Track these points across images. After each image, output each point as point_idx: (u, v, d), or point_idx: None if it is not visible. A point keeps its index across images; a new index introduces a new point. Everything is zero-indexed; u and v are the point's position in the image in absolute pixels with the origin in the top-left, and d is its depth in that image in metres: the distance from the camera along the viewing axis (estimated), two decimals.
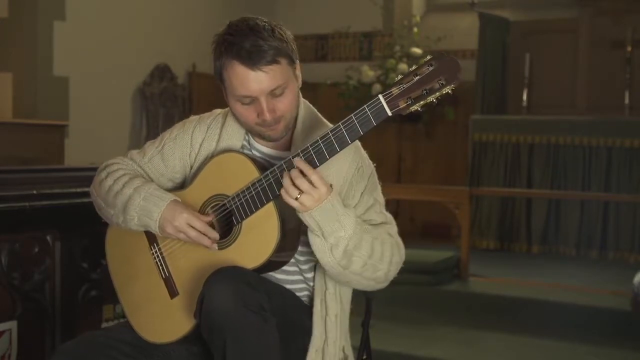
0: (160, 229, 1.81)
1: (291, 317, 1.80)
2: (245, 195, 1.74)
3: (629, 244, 5.58)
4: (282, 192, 1.66)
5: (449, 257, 4.89)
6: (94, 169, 2.02)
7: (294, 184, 1.64)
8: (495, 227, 6.02)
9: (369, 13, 7.20)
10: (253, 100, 1.75)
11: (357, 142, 1.86)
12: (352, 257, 1.71)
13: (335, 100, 6.35)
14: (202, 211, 1.84)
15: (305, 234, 1.75)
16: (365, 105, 1.62)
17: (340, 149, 1.65)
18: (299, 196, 1.64)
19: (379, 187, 1.90)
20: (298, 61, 1.81)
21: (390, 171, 7.09)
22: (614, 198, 5.56)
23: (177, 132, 1.95)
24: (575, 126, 5.85)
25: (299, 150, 1.68)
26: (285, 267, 1.83)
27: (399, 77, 1.62)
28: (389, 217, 1.87)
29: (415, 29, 6.87)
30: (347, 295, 1.90)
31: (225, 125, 1.90)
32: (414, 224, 7.01)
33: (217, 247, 1.78)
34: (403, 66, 6.47)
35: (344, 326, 1.89)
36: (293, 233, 1.75)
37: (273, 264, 1.76)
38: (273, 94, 1.74)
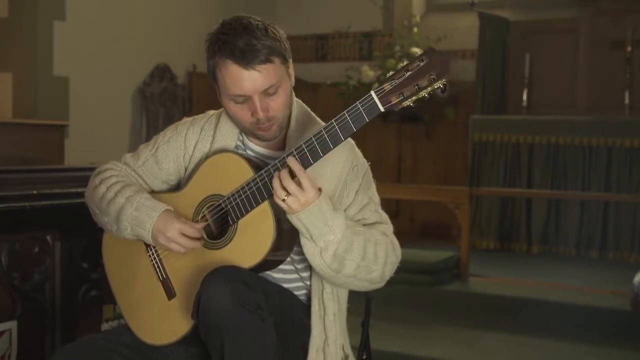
0: (153, 240, 1.81)
1: (289, 316, 1.80)
2: (241, 195, 1.74)
3: (629, 244, 5.58)
4: (272, 192, 1.66)
5: (448, 257, 4.89)
6: (94, 169, 2.02)
7: (281, 185, 1.64)
8: (495, 227, 6.02)
9: (369, 13, 7.20)
10: (246, 99, 1.75)
11: (351, 141, 1.86)
12: (344, 261, 1.71)
13: (335, 100, 6.35)
14: (197, 212, 1.84)
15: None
16: (357, 102, 1.62)
17: (334, 146, 1.65)
18: (286, 198, 1.64)
19: (374, 186, 1.89)
20: (291, 60, 1.81)
21: (390, 171, 7.09)
22: (614, 198, 5.56)
23: (171, 135, 1.95)
24: (575, 126, 5.85)
25: (293, 149, 1.68)
26: (282, 266, 1.83)
27: (391, 73, 1.63)
28: (384, 216, 1.87)
29: (415, 29, 6.87)
30: (345, 294, 1.90)
31: (219, 126, 1.90)
32: (414, 224, 7.01)
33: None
34: None
35: (342, 325, 1.89)
36: (289, 232, 1.75)
37: (269, 263, 1.76)
38: (266, 93, 1.74)
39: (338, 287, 1.85)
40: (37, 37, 5.69)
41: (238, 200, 1.74)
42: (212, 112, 1.97)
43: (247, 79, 1.71)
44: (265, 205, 1.72)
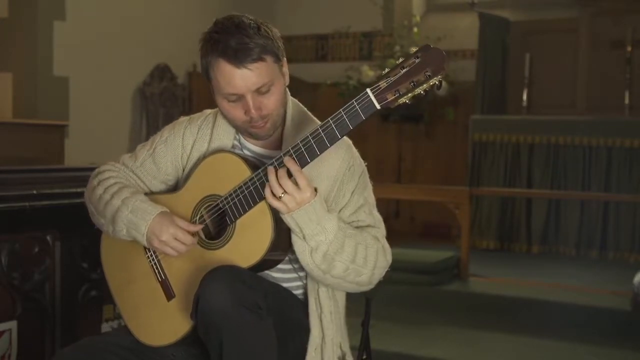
0: (148, 243, 1.81)
1: (288, 316, 1.80)
2: (238, 194, 1.74)
3: (629, 244, 5.58)
4: (266, 190, 1.66)
5: (449, 257, 4.89)
6: (94, 169, 2.02)
7: (279, 183, 1.64)
8: (495, 227, 6.02)
9: (369, 13, 7.20)
10: (239, 98, 1.75)
11: (349, 141, 1.87)
12: (333, 262, 1.72)
13: (335, 100, 6.35)
14: (195, 212, 1.84)
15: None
16: (353, 100, 1.62)
17: (331, 144, 1.65)
18: (282, 196, 1.65)
19: (370, 187, 1.90)
20: (285, 59, 1.82)
21: (390, 171, 7.09)
22: (614, 198, 5.56)
23: (168, 135, 1.95)
24: (575, 126, 5.85)
25: (290, 148, 1.68)
26: (280, 266, 1.83)
27: (386, 70, 1.63)
28: (378, 219, 1.87)
29: (415, 29, 6.87)
30: (342, 292, 1.90)
31: (216, 125, 1.90)
32: (414, 224, 7.01)
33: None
34: None
35: (339, 323, 1.89)
36: (287, 232, 1.75)
37: (268, 262, 1.76)
38: (259, 91, 1.74)
39: (328, 287, 1.85)
40: (37, 37, 5.69)
41: (235, 199, 1.75)
42: (209, 111, 1.97)
43: (239, 78, 1.72)
44: (263, 205, 1.72)
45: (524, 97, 6.43)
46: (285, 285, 1.87)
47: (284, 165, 1.66)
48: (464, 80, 6.68)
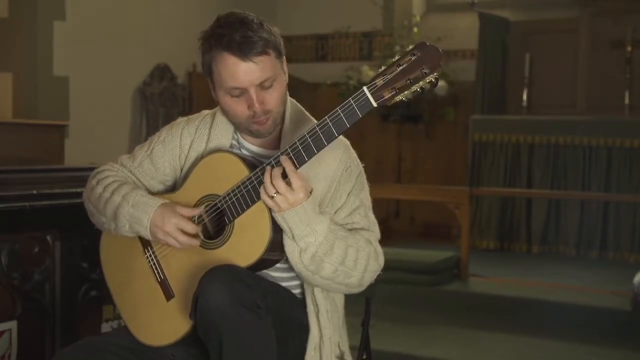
0: (151, 235, 1.82)
1: (287, 315, 1.80)
2: (236, 194, 1.74)
3: (629, 244, 5.58)
4: (261, 189, 1.67)
5: (449, 257, 4.89)
6: (94, 169, 2.02)
7: (272, 183, 1.65)
8: (495, 227, 6.02)
9: (369, 13, 7.19)
10: (242, 92, 1.75)
11: (347, 142, 1.87)
12: (322, 263, 1.73)
13: (335, 100, 6.30)
14: None
15: None
16: (350, 98, 1.63)
17: (328, 143, 1.65)
18: (274, 195, 1.65)
19: (367, 189, 1.90)
20: (285, 57, 1.82)
21: (390, 171, 7.09)
22: (614, 198, 5.56)
23: (166, 135, 1.96)
24: (575, 126, 5.85)
25: (287, 147, 1.68)
26: (279, 265, 1.83)
27: (383, 68, 1.63)
28: (373, 222, 1.87)
29: (415, 29, 6.87)
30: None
31: (214, 125, 1.91)
32: (414, 224, 7.01)
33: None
34: None
35: (337, 322, 1.89)
36: None
37: (266, 261, 1.76)
38: (262, 86, 1.75)
39: (318, 287, 1.84)
40: (37, 37, 5.69)
41: (234, 199, 1.75)
42: (206, 111, 1.98)
43: (243, 71, 1.72)
44: (261, 204, 1.73)
45: (524, 97, 6.43)
46: (284, 284, 1.87)
47: (281, 165, 1.66)
48: (464, 80, 6.68)
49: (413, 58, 1.59)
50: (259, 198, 1.72)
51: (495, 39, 6.56)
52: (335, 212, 1.81)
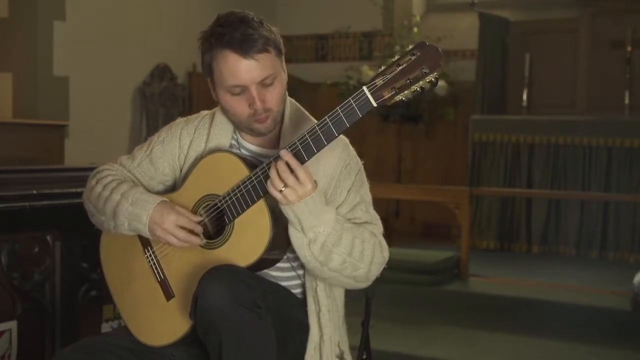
0: (150, 233, 1.81)
1: (287, 315, 1.80)
2: (236, 193, 1.74)
3: (629, 244, 5.58)
4: (268, 182, 1.67)
5: (449, 257, 4.89)
6: (94, 169, 2.02)
7: (280, 177, 1.65)
8: (495, 227, 6.02)
9: (369, 13, 7.20)
10: (243, 90, 1.76)
11: (345, 139, 1.87)
12: (331, 254, 1.72)
13: (335, 100, 6.31)
14: (194, 211, 1.83)
15: None
16: (350, 98, 1.63)
17: (328, 143, 1.66)
18: (283, 189, 1.65)
19: (367, 185, 1.90)
20: (284, 57, 1.83)
21: (390, 171, 7.09)
22: (614, 198, 5.56)
23: (165, 135, 1.96)
24: (575, 126, 5.85)
25: (287, 146, 1.68)
26: (279, 265, 1.83)
27: (382, 68, 1.63)
28: (375, 216, 1.87)
29: (415, 29, 6.87)
30: (340, 291, 1.90)
31: (213, 125, 1.91)
32: (414, 224, 7.01)
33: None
34: None
35: (337, 321, 1.89)
36: (285, 230, 1.75)
37: (267, 261, 1.76)
38: (263, 83, 1.76)
39: (325, 283, 1.84)
40: (37, 37, 5.69)
41: (234, 199, 1.75)
42: (205, 112, 1.98)
43: (244, 69, 1.73)
44: (261, 204, 1.73)
45: (524, 97, 6.43)
46: (284, 284, 1.87)
47: (285, 160, 1.67)
48: (464, 80, 6.68)
49: (413, 58, 1.59)
50: (259, 197, 1.72)
51: (495, 39, 6.56)
52: (336, 209, 1.81)
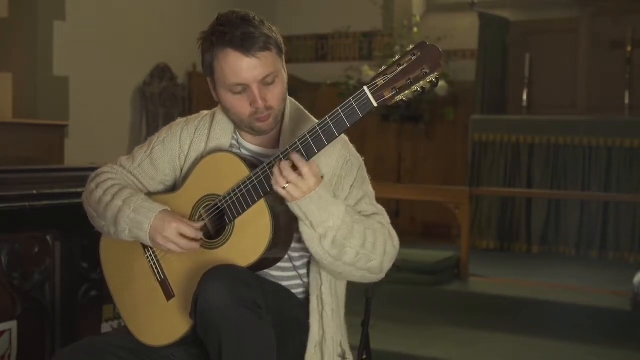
0: (151, 240, 1.81)
1: (287, 315, 1.80)
2: (237, 193, 1.75)
3: (629, 244, 5.58)
4: (272, 180, 1.67)
5: (449, 257, 4.89)
6: (94, 169, 2.02)
7: (282, 174, 1.65)
8: (495, 227, 6.02)
9: (369, 13, 7.20)
10: (245, 89, 1.76)
11: (345, 137, 1.87)
12: (343, 248, 1.71)
13: (335, 100, 6.32)
14: (194, 212, 1.84)
15: (299, 231, 1.76)
16: (350, 98, 1.63)
17: (328, 143, 1.66)
18: (286, 186, 1.65)
19: (368, 180, 1.90)
20: (284, 56, 1.83)
21: (390, 171, 7.08)
22: (614, 198, 5.56)
23: (165, 136, 1.96)
24: (575, 126, 5.85)
25: (287, 147, 1.68)
26: (280, 264, 1.83)
27: (383, 68, 1.63)
28: (380, 208, 1.87)
29: (415, 29, 6.87)
30: (343, 290, 1.90)
31: (214, 125, 1.91)
32: (414, 224, 7.01)
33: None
34: None
35: (340, 321, 1.89)
36: (286, 229, 1.76)
37: (267, 260, 1.76)
38: (264, 82, 1.76)
39: (338, 279, 1.84)
40: (37, 37, 5.69)
41: (234, 199, 1.75)
42: (205, 112, 1.98)
43: (246, 67, 1.73)
44: (261, 203, 1.73)
45: (524, 97, 6.43)
46: (284, 284, 1.87)
47: (285, 160, 1.67)
48: (464, 80, 6.68)
49: (413, 58, 1.59)
50: (259, 197, 1.72)
51: (495, 39, 6.56)
52: None
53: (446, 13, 7.48)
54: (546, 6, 6.83)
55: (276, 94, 1.79)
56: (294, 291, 1.89)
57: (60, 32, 5.79)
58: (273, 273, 1.86)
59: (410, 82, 1.59)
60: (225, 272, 1.66)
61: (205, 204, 1.83)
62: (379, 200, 1.92)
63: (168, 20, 6.65)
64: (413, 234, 6.81)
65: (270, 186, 1.69)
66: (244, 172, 1.76)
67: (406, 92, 1.60)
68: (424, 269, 4.64)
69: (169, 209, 1.83)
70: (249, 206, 1.73)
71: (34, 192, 2.38)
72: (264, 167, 1.71)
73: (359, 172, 1.87)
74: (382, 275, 1.83)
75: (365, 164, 1.92)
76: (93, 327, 2.54)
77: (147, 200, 1.85)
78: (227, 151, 1.85)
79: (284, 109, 1.86)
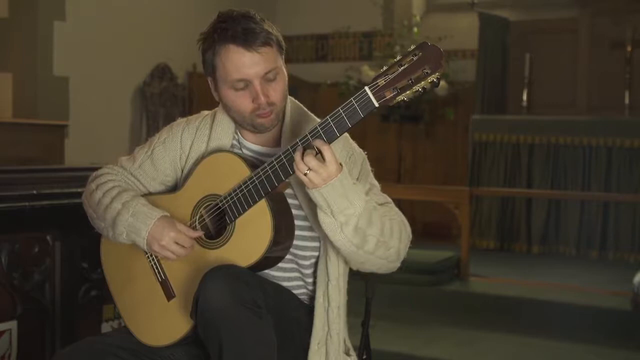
0: (147, 247, 1.81)
1: (287, 315, 1.80)
2: (237, 193, 1.75)
3: (629, 244, 5.58)
4: (294, 165, 1.65)
5: (449, 257, 4.89)
6: (94, 169, 2.02)
7: (303, 160, 1.63)
8: (495, 227, 6.02)
9: (369, 13, 7.19)
10: (247, 85, 1.76)
11: (346, 133, 1.86)
12: (365, 236, 1.70)
13: (335, 100, 6.35)
14: (195, 212, 1.84)
15: (300, 230, 1.76)
16: (352, 98, 1.63)
17: (330, 142, 1.65)
18: (307, 172, 1.63)
19: (372, 173, 1.91)
20: (284, 56, 1.84)
21: (390, 171, 7.08)
22: (614, 198, 5.56)
23: (166, 136, 1.96)
24: (575, 126, 5.85)
25: (289, 147, 1.68)
26: (281, 264, 1.83)
27: (384, 68, 1.63)
28: (388, 197, 1.88)
29: (415, 29, 6.87)
30: (346, 287, 1.90)
31: (215, 125, 1.91)
32: (414, 224, 6.96)
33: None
34: None
35: (344, 318, 1.89)
36: (287, 229, 1.75)
37: (268, 260, 1.77)
38: (266, 78, 1.76)
39: (360, 269, 1.82)
40: (37, 37, 5.69)
41: (235, 199, 1.75)
42: (206, 112, 1.98)
43: (248, 62, 1.74)
44: (262, 204, 1.73)
45: (524, 97, 6.43)
46: (285, 284, 1.87)
47: (284, 163, 1.67)
48: (464, 80, 6.68)
49: (415, 58, 1.60)
50: (260, 198, 1.72)
51: (495, 39, 6.56)
52: None
53: (446, 13, 7.48)
54: (546, 6, 6.83)
55: (278, 90, 1.79)
56: (294, 291, 1.89)
57: (60, 32, 5.79)
58: (274, 273, 1.85)
59: (412, 82, 1.59)
60: (225, 272, 1.66)
61: (206, 204, 1.83)
62: None
63: (168, 20, 6.65)
64: (413, 233, 6.79)
65: (271, 186, 1.69)
66: (244, 172, 1.76)
67: (407, 92, 1.60)
68: (424, 269, 4.64)
69: (168, 215, 1.83)
70: (249, 206, 1.73)
71: (34, 192, 2.38)
72: (265, 167, 1.71)
73: (363, 165, 1.87)
74: (398, 264, 1.84)
75: (365, 153, 1.93)
76: (93, 327, 2.54)
77: (146, 205, 1.84)
78: (228, 151, 1.85)
79: (285, 107, 1.86)
